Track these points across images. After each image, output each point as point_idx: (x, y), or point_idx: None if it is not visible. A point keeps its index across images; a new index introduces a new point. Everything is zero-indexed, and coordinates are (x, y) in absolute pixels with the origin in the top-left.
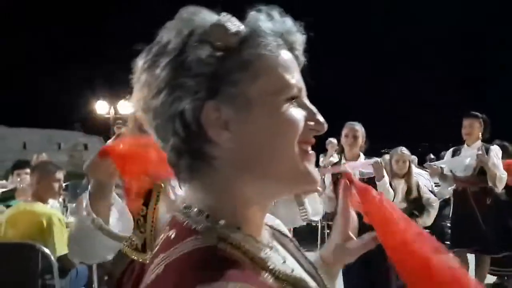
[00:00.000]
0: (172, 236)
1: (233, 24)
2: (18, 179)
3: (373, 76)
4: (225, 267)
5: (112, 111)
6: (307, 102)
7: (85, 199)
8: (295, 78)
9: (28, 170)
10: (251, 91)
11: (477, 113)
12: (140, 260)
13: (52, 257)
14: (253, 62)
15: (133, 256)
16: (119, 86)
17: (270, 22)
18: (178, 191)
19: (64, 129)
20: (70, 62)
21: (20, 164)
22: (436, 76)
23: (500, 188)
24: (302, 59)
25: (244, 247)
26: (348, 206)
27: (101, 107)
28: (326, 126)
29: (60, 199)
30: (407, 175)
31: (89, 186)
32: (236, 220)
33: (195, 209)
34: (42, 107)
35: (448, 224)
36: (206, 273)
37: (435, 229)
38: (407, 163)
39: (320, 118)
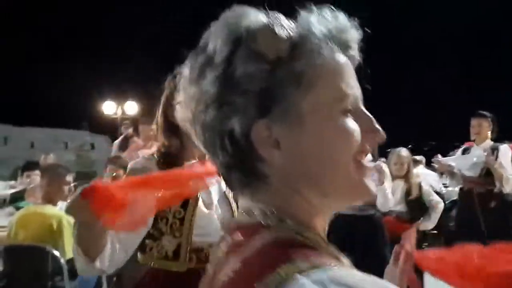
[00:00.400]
0: (240, 238)
1: (283, 28)
2: (28, 180)
3: (390, 72)
4: (309, 251)
5: (119, 112)
6: (363, 110)
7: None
8: (351, 86)
9: (37, 172)
10: (304, 105)
11: (485, 112)
12: (165, 269)
13: (62, 260)
14: (306, 73)
15: (156, 265)
16: (126, 87)
17: (323, 23)
18: (210, 197)
19: (70, 129)
20: (75, 61)
21: (30, 166)
22: (451, 74)
23: (507, 189)
24: (358, 57)
25: (318, 243)
26: (405, 279)
27: (109, 107)
28: (384, 135)
29: (69, 201)
30: (407, 175)
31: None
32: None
33: (258, 212)
34: (48, 106)
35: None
36: (290, 254)
37: (443, 230)
38: (405, 166)
39: (378, 128)
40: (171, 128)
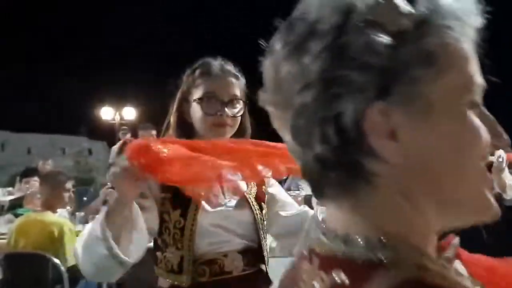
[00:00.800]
0: (342, 280)
1: (404, 1)
2: (27, 186)
3: None
4: None
5: (117, 117)
6: (484, 107)
7: (100, 216)
8: (477, 75)
9: (36, 178)
10: (431, 91)
11: None
12: (176, 283)
13: (62, 267)
14: (436, 54)
15: (168, 280)
16: (124, 92)
17: (450, 1)
18: (222, 200)
19: (68, 134)
20: (74, 64)
21: (28, 172)
22: None
23: (510, 195)
24: (477, 48)
25: (448, 277)
26: None
27: (106, 113)
28: (508, 141)
29: (68, 208)
30: None
31: (107, 201)
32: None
33: (359, 237)
34: (46, 112)
35: None
36: None
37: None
38: None
39: (502, 131)
40: (185, 127)
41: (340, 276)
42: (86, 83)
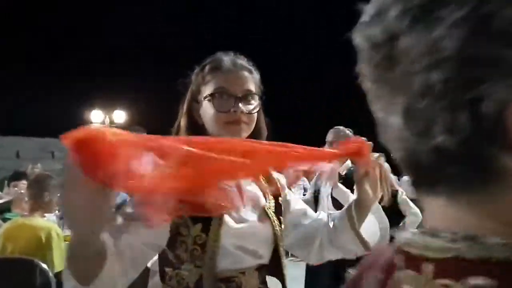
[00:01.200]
0: (488, 284)
1: None
2: (15, 189)
3: None
4: None
5: (107, 120)
6: None
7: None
8: None
9: (25, 181)
10: None
11: None
12: None
13: (50, 273)
14: None
15: None
16: (114, 95)
17: None
18: (244, 214)
19: (57, 138)
20: (66, 69)
21: (17, 176)
22: None
23: None
24: None
25: None
26: None
27: (96, 116)
28: None
29: (57, 212)
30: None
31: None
32: None
33: (496, 239)
34: (35, 115)
35: None
36: None
37: None
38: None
39: None
40: (195, 129)
41: (482, 281)
42: (77, 85)
